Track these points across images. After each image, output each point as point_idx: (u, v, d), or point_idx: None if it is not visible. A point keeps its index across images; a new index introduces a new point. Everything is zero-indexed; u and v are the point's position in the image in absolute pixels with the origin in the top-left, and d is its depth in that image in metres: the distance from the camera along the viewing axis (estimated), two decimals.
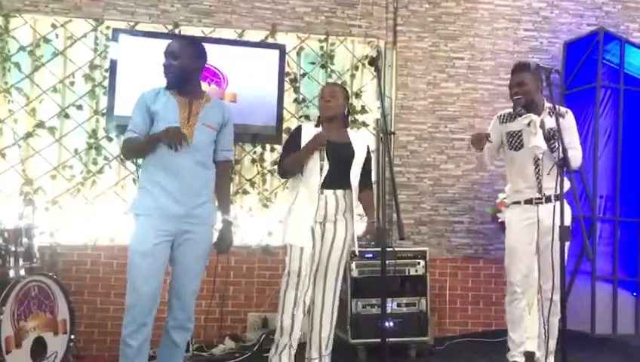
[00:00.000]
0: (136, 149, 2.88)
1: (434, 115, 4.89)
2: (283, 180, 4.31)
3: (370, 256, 4.03)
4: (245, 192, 4.57)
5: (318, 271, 3.35)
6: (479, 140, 3.39)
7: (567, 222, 3.13)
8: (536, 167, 3.46)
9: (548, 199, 3.41)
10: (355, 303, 3.99)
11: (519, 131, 3.50)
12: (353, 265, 4.00)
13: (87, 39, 4.43)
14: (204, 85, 4.32)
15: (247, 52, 4.53)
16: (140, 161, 3.08)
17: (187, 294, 2.86)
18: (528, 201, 3.49)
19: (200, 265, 2.90)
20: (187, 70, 2.88)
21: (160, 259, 2.76)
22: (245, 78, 4.48)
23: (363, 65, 4.76)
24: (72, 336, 3.59)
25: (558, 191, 2.97)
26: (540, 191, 3.45)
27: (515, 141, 3.52)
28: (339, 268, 3.41)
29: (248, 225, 4.54)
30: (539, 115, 3.44)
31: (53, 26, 4.37)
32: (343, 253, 3.38)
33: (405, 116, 4.83)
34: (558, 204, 2.97)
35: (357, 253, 3.64)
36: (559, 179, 2.98)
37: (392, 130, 4.68)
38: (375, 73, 3.62)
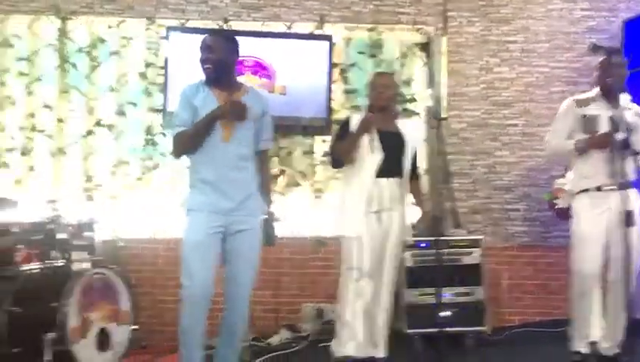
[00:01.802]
0: (190, 137, 2.85)
1: (487, 100, 4.78)
2: (334, 171, 4.32)
3: (424, 245, 3.99)
4: (296, 184, 4.60)
5: (375, 262, 3.35)
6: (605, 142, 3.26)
7: (634, 207, 3.02)
8: (609, 154, 3.31)
9: (621, 186, 3.27)
10: (410, 293, 3.97)
11: (596, 115, 3.36)
12: (407, 255, 3.97)
13: (141, 38, 4.54)
14: (254, 79, 4.44)
15: (296, 44, 4.55)
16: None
17: (243, 284, 2.91)
18: (598, 188, 3.36)
19: (254, 255, 2.94)
20: (222, 63, 2.90)
21: (211, 251, 2.81)
22: (294, 70, 4.50)
23: (412, 53, 4.70)
24: (135, 327, 3.71)
25: (630, 178, 2.86)
26: (611, 177, 3.30)
27: (591, 125, 3.38)
28: (395, 259, 3.40)
29: (300, 217, 4.58)
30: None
31: (109, 27, 4.51)
32: (398, 242, 3.37)
33: (457, 103, 4.75)
34: (630, 190, 2.87)
35: (411, 242, 3.62)
36: (631, 165, 2.87)
37: (444, 117, 4.61)
38: (426, 60, 3.57)
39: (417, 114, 4.66)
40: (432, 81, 2.99)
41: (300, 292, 4.52)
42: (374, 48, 4.68)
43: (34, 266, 3.51)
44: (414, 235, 3.56)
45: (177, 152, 2.95)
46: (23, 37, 4.46)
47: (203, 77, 2.93)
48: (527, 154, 4.75)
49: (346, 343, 3.30)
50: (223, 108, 2.78)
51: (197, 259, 2.77)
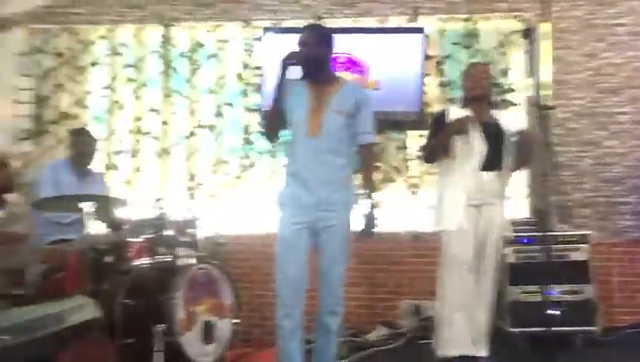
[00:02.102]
0: (268, 114, 2.97)
1: (593, 88, 4.52)
2: (429, 166, 4.25)
3: (528, 240, 3.84)
4: (391, 180, 4.56)
5: (476, 257, 3.25)
6: None
7: None
8: None
9: None
10: (512, 290, 3.83)
11: None
12: (509, 250, 3.83)
13: (237, 41, 4.68)
14: (346, 75, 4.45)
15: (388, 38, 4.51)
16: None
17: (333, 279, 2.90)
18: None
19: (342, 250, 2.90)
20: (317, 58, 2.90)
21: (298, 246, 2.83)
22: (387, 64, 4.46)
23: (510, 41, 4.52)
24: (236, 321, 3.83)
25: None
26: None
27: None
28: (496, 254, 3.29)
29: (395, 213, 4.53)
30: None
31: (207, 31, 4.68)
32: (499, 237, 3.26)
33: (561, 91, 4.52)
34: None
35: (512, 238, 3.49)
36: None
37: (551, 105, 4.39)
38: (527, 48, 3.43)
39: (517, 104, 4.48)
40: (532, 70, 2.86)
41: (397, 288, 4.48)
42: (469, 38, 4.55)
43: (144, 261, 3.71)
44: (515, 230, 3.43)
45: (266, 131, 3.04)
46: (130, 45, 4.72)
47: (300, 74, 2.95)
48: (637, 144, 4.45)
49: (447, 342, 3.23)
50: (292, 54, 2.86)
51: (287, 255, 2.82)
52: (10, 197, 3.21)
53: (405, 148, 4.57)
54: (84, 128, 4.30)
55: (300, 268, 2.83)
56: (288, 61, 2.88)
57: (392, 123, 4.48)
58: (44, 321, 2.04)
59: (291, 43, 4.41)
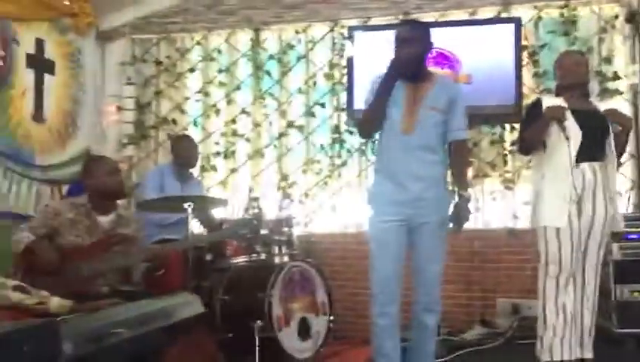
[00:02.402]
0: (370, 108, 2.85)
1: None
2: (525, 161, 4.12)
3: (636, 236, 3.62)
4: (485, 175, 4.45)
5: (577, 255, 3.11)
6: None
7: None
8: None
9: None
10: (619, 289, 3.63)
11: None
12: (615, 247, 3.63)
13: (325, 41, 4.72)
14: (438, 70, 4.38)
15: (480, 30, 4.38)
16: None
17: (429, 277, 2.86)
18: None
19: (438, 247, 2.87)
20: (417, 54, 2.86)
21: (393, 243, 2.80)
22: (479, 57, 4.33)
23: (612, 27, 4.27)
24: (331, 318, 3.87)
25: None
26: None
27: None
28: (599, 252, 3.12)
29: (490, 209, 4.41)
30: None
31: (296, 32, 4.76)
32: (603, 234, 3.10)
33: None
34: None
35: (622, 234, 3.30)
36: None
37: None
38: (630, 33, 3.23)
39: (621, 93, 4.23)
40: (636, 56, 2.69)
41: (493, 286, 4.36)
42: (567, 26, 4.35)
43: (241, 259, 3.84)
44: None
45: (364, 130, 2.99)
46: (222, 50, 4.88)
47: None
48: None
49: (551, 345, 3.09)
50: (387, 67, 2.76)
51: (382, 252, 2.80)
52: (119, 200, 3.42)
53: (501, 142, 4.44)
54: (187, 135, 4.51)
55: (395, 266, 2.81)
56: (398, 69, 2.80)
57: (485, 117, 4.35)
58: (155, 316, 2.15)
59: (380, 40, 4.46)
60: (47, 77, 4.30)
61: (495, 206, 4.41)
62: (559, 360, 3.09)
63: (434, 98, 2.84)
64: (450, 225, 2.86)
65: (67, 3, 4.39)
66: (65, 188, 4.40)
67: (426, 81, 2.89)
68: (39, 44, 4.24)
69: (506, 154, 4.42)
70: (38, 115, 4.22)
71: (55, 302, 2.34)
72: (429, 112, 2.82)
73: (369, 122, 2.88)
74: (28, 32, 4.15)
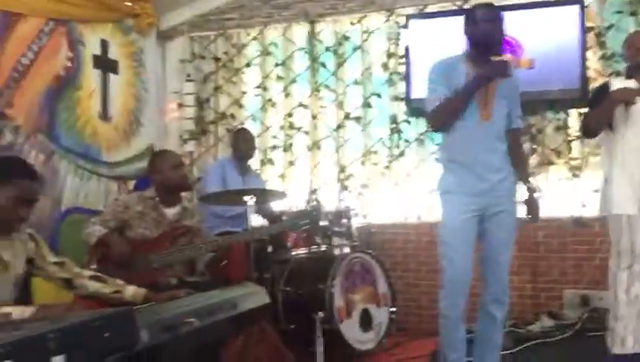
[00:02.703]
0: (452, 104, 2.72)
1: None
2: (592, 146, 3.98)
3: None
4: (550, 163, 4.32)
5: None
6: None
7: None
8: None
9: None
10: None
11: None
12: None
13: (381, 30, 4.68)
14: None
15: (542, 13, 4.25)
16: (438, 139, 3.05)
17: (500, 266, 2.82)
18: None
19: (511, 237, 2.85)
20: (501, 38, 2.80)
21: (468, 235, 2.77)
22: (541, 41, 4.21)
23: None
24: (393, 309, 3.86)
25: None
26: None
27: None
28: None
29: (556, 197, 4.28)
30: None
31: (352, 24, 4.74)
32: None
33: None
34: None
35: None
36: None
37: None
38: None
39: None
40: None
41: (561, 277, 4.23)
42: (635, 5, 4.15)
43: (302, 251, 3.87)
44: None
45: (439, 124, 2.83)
46: (278, 44, 4.91)
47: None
48: None
49: (624, 338, 2.98)
50: (488, 67, 2.66)
51: (456, 243, 2.75)
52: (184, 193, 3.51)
53: (565, 128, 4.29)
54: (244, 128, 4.58)
55: (469, 257, 2.77)
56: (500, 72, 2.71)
57: (549, 102, 4.24)
58: (223, 306, 2.19)
59: (437, 28, 4.39)
60: (111, 76, 4.44)
61: (561, 194, 4.28)
62: (631, 352, 2.98)
63: (503, 87, 2.80)
64: (525, 216, 2.86)
65: (129, 4, 4.52)
66: (131, 184, 4.55)
67: None
68: (104, 45, 4.39)
69: (571, 141, 4.27)
70: (104, 114, 4.37)
71: (130, 291, 2.42)
72: (501, 101, 2.79)
73: (451, 115, 2.75)
74: (93, 34, 4.30)
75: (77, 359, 1.28)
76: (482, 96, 2.75)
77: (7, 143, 3.61)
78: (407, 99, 4.50)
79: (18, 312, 1.93)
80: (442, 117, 2.78)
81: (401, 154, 4.62)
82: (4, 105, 3.60)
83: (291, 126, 4.85)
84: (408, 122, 4.61)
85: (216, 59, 5.02)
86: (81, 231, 3.38)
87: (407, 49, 4.49)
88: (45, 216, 3.76)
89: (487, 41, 2.74)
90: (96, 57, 4.31)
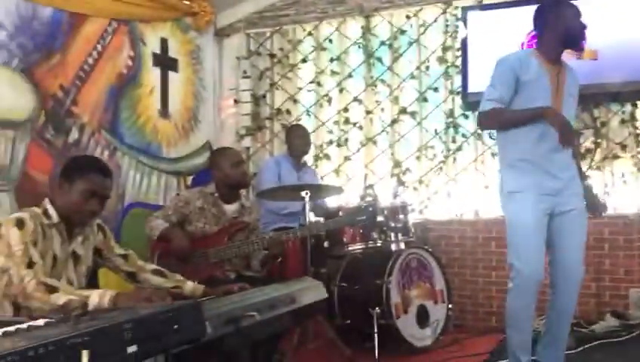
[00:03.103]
0: (508, 122, 2.70)
1: None
2: None
3: None
4: (615, 157, 4.16)
5: None
6: None
7: None
8: None
9: None
10: None
11: None
12: None
13: (437, 23, 4.61)
14: None
15: (606, 4, 4.10)
16: (493, 134, 2.96)
17: (574, 264, 2.75)
18: None
19: (584, 235, 2.78)
20: (585, 32, 2.73)
21: (541, 234, 2.69)
22: (605, 32, 4.05)
23: None
24: (450, 306, 3.81)
25: None
26: None
27: None
28: None
29: (622, 193, 4.13)
30: None
31: (407, 17, 4.68)
32: None
33: None
34: None
35: None
36: None
37: None
38: None
39: None
40: None
41: (626, 275, 4.08)
42: None
43: (358, 246, 3.86)
44: None
45: (486, 127, 2.87)
46: (333, 39, 4.91)
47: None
48: None
49: None
50: (552, 119, 2.55)
51: (530, 243, 2.66)
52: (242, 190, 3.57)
53: (632, 121, 4.13)
54: (299, 124, 4.61)
55: (542, 257, 2.69)
56: None
57: (613, 94, 4.08)
58: (282, 300, 2.22)
59: (496, 19, 4.29)
60: (171, 74, 4.55)
61: (626, 189, 4.12)
62: None
63: (570, 84, 2.75)
64: (589, 213, 2.81)
65: (188, 3, 4.61)
66: (189, 179, 4.65)
67: (562, 65, 2.77)
68: (164, 43, 4.49)
69: (638, 134, 4.11)
70: (164, 111, 4.48)
71: (189, 287, 2.49)
72: (569, 99, 2.74)
73: (501, 126, 2.75)
74: (153, 33, 4.41)
75: (148, 349, 1.32)
76: (554, 94, 2.69)
77: (73, 140, 3.75)
78: (464, 93, 4.42)
79: (96, 297, 1.98)
80: (492, 124, 2.78)
81: (459, 148, 4.55)
82: (70, 103, 3.74)
83: (346, 121, 4.85)
84: (466, 116, 4.53)
85: (272, 56, 5.06)
86: (142, 224, 3.48)
87: (464, 42, 4.42)
88: (109, 210, 3.88)
89: (573, 36, 2.68)
90: (156, 55, 4.42)
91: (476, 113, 4.25)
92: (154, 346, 1.33)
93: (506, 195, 2.76)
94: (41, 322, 1.38)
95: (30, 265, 2.07)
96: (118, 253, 2.45)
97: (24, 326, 1.36)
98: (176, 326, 1.39)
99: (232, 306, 1.95)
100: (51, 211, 2.23)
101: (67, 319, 1.34)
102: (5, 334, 1.25)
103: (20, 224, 2.13)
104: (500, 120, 2.72)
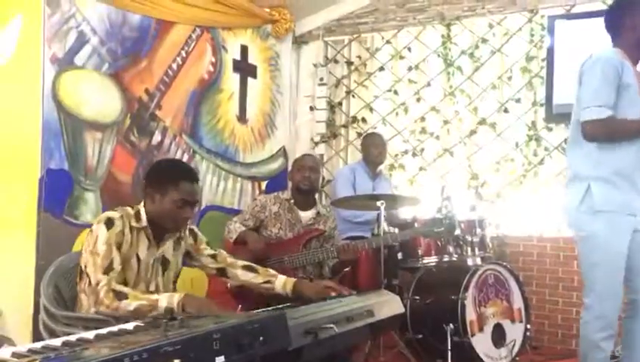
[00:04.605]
0: (628, 133, 2.47)
1: None
2: None
3: None
4: None
5: None
6: None
7: None
8: None
9: None
10: None
11: None
12: None
13: (522, 32, 4.46)
14: None
15: None
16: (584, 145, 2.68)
17: None
18: None
19: None
20: None
21: (624, 259, 2.50)
22: None
23: None
24: (528, 326, 3.66)
25: None
26: None
27: None
28: None
29: None
30: None
31: (490, 26, 4.55)
32: None
33: None
34: None
35: None
36: None
37: None
38: None
39: None
40: None
41: None
42: None
43: (432, 259, 3.77)
44: None
45: (599, 138, 2.49)
46: (411, 48, 4.84)
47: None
48: None
49: None
50: None
51: (618, 269, 2.49)
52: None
53: None
54: (376, 133, 4.56)
55: (622, 284, 2.52)
56: None
57: None
58: (360, 313, 2.17)
59: (584, 29, 4.10)
60: (250, 80, 4.61)
61: None
62: None
63: None
64: None
65: (268, 10, 4.67)
66: (264, 184, 4.70)
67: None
68: (244, 50, 4.57)
69: None
70: (242, 117, 4.55)
71: (280, 281, 2.47)
72: None
73: (631, 136, 2.49)
74: (234, 39, 4.49)
75: (234, 360, 1.31)
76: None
77: (156, 143, 3.86)
78: (549, 105, 4.25)
79: (164, 300, 2.03)
80: (609, 135, 2.48)
81: (540, 162, 4.37)
82: (154, 107, 3.85)
83: (423, 131, 4.76)
84: (549, 129, 4.35)
85: (349, 63, 5.05)
86: (218, 227, 3.54)
87: (550, 51, 4.25)
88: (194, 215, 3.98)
89: None
90: (236, 62, 4.49)
91: (560, 125, 4.17)
92: (240, 357, 1.32)
93: (591, 213, 2.50)
94: (130, 326, 1.40)
95: (108, 269, 2.13)
96: (207, 254, 2.49)
97: (115, 329, 1.38)
98: (262, 338, 1.37)
99: (311, 317, 1.92)
100: (143, 215, 2.28)
101: (157, 324, 1.35)
102: (98, 337, 1.28)
103: (109, 223, 2.19)
104: (619, 130, 2.48)
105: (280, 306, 2.23)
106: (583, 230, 2.54)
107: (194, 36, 4.13)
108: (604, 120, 2.43)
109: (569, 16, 4.26)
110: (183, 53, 4.05)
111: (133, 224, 2.25)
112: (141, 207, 2.29)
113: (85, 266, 2.17)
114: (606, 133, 2.48)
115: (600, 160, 2.51)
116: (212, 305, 2.02)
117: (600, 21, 4.19)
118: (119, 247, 2.19)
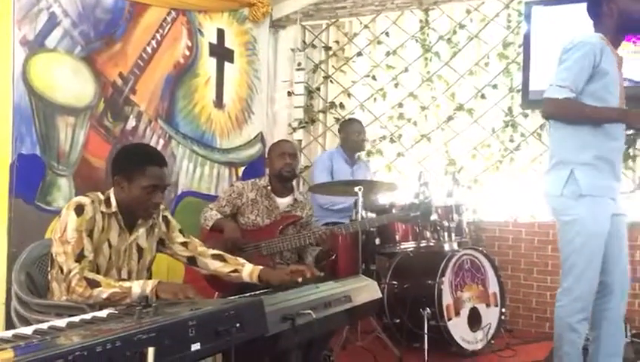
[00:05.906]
0: (584, 118, 2.47)
1: None
2: None
3: None
4: None
5: None
6: None
7: None
8: None
9: None
10: None
11: None
12: None
13: (499, 18, 4.47)
14: (627, 45, 3.96)
15: None
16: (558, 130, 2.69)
17: (621, 271, 2.59)
18: None
19: (626, 241, 2.62)
20: None
21: (604, 242, 2.52)
22: None
23: None
24: (503, 309, 3.70)
25: None
26: None
27: None
28: None
29: None
30: None
31: (467, 12, 4.55)
32: None
33: None
34: None
35: None
36: None
37: None
38: None
39: None
40: None
41: None
42: None
43: (409, 245, 3.79)
44: None
45: (555, 118, 2.51)
46: (389, 33, 4.82)
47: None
48: None
49: None
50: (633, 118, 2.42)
51: (598, 253, 2.50)
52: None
53: None
54: (355, 118, 4.54)
55: (600, 269, 2.55)
56: None
57: None
58: (338, 299, 2.17)
59: (561, 15, 4.12)
60: (226, 65, 4.55)
61: None
62: None
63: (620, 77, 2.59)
64: None
65: None
66: (241, 170, 4.66)
67: (618, 55, 2.60)
68: (220, 33, 4.50)
69: None
70: (218, 102, 4.49)
71: (247, 270, 2.46)
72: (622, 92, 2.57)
73: (573, 119, 2.49)
74: (210, 23, 4.42)
75: (210, 347, 1.30)
76: (620, 87, 2.53)
77: (130, 128, 3.80)
78: (525, 91, 4.28)
79: (138, 287, 2.02)
80: (565, 116, 2.49)
81: (517, 148, 4.41)
82: (129, 91, 3.78)
83: (401, 116, 4.76)
84: (525, 115, 4.38)
85: (327, 48, 5.01)
86: (194, 213, 3.50)
87: (527, 38, 4.27)
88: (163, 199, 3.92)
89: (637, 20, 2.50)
90: (212, 46, 4.43)
91: (537, 112, 4.20)
92: (215, 343, 1.31)
93: (574, 197, 2.49)
94: (104, 314, 1.38)
95: (80, 257, 2.10)
96: (179, 242, 2.46)
97: (88, 316, 1.36)
98: (238, 324, 1.36)
99: (288, 303, 1.92)
100: (113, 201, 2.24)
101: (131, 312, 1.33)
102: (70, 325, 1.25)
103: (78, 209, 2.15)
104: (576, 113, 2.48)
105: (257, 292, 2.22)
106: (568, 214, 2.52)
107: (169, 19, 4.05)
108: (561, 100, 2.42)
109: (546, 2, 4.28)
110: (158, 37, 3.97)
111: (104, 210, 2.21)
112: (111, 193, 2.26)
113: (56, 254, 2.13)
114: (560, 113, 2.49)
115: (583, 144, 2.50)
116: (189, 289, 1.99)
117: (576, 7, 4.22)
118: (90, 234, 2.16)
